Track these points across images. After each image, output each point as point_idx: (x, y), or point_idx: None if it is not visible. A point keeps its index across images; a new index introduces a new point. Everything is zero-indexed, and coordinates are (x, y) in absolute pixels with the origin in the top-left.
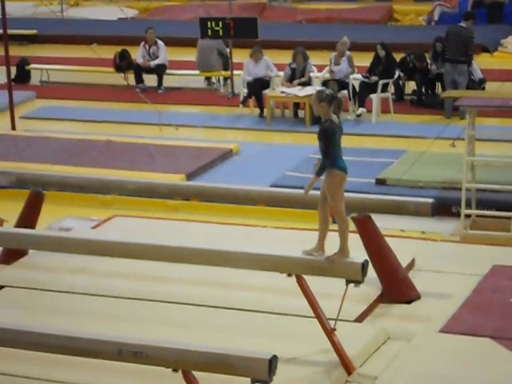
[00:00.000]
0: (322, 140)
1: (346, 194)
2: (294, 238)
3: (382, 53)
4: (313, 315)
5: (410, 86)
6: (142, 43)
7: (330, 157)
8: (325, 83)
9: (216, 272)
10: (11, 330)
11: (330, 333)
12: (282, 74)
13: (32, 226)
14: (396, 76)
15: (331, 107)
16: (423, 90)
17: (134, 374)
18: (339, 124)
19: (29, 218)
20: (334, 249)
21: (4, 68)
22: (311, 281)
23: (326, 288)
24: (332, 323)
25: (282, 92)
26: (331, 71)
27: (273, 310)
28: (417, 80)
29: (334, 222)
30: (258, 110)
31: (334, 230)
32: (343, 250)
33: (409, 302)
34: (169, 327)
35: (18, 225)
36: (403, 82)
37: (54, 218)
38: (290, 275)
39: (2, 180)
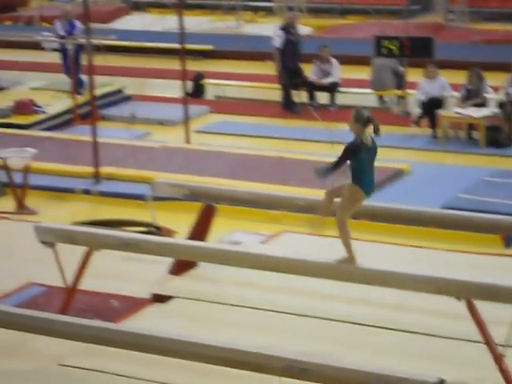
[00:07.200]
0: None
1: None
2: (465, 261)
3: None
4: (480, 340)
5: None
6: (315, 60)
7: (336, 168)
8: (501, 105)
9: (381, 292)
10: (179, 341)
11: (498, 359)
12: (456, 94)
13: (203, 238)
14: None
15: (366, 128)
16: None
17: None
18: (372, 146)
19: (200, 230)
20: None
21: (180, 82)
22: (479, 304)
23: (495, 313)
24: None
25: (457, 112)
26: (507, 93)
27: (439, 333)
28: None
29: (507, 246)
30: (430, 130)
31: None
32: (350, 257)
33: None
34: (334, 345)
35: (190, 237)
36: None
37: (225, 232)
38: (459, 299)
39: (175, 192)
